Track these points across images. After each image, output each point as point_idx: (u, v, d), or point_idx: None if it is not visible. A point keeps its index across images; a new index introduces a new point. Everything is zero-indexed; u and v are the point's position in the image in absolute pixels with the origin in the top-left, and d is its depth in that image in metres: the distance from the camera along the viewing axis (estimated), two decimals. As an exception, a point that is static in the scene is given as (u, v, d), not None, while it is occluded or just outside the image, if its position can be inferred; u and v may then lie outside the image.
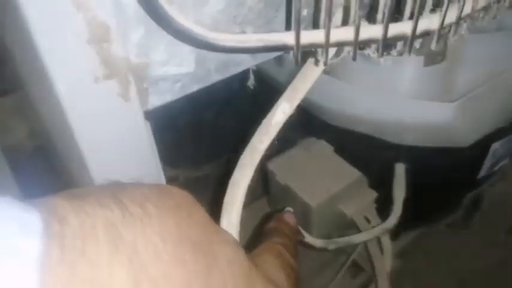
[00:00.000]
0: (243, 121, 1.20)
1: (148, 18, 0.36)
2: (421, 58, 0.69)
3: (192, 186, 1.31)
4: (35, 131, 1.39)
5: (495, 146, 0.90)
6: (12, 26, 0.46)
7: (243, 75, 0.99)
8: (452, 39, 0.40)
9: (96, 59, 0.35)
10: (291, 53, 0.37)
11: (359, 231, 0.94)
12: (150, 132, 0.44)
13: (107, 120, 0.39)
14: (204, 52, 0.42)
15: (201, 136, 1.15)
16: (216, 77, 0.46)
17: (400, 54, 0.40)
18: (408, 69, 0.70)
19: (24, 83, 0.80)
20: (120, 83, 0.37)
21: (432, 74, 0.70)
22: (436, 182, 0.95)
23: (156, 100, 0.43)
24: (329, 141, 1.03)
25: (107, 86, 0.37)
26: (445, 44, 0.68)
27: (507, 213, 1.55)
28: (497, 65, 0.73)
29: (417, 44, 0.40)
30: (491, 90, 0.70)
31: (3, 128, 1.43)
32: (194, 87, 0.45)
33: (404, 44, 0.39)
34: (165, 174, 0.54)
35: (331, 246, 0.83)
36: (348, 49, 0.39)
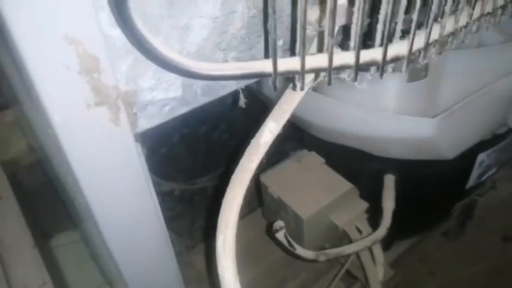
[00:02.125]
0: (237, 135, 1.23)
1: (135, 49, 0.39)
2: (405, 74, 0.72)
3: (188, 199, 1.33)
4: (33, 146, 1.41)
5: (481, 156, 0.92)
6: (5, 51, 0.48)
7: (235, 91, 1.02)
8: (422, 63, 0.43)
9: (87, 88, 0.38)
10: (270, 80, 0.40)
11: (351, 241, 0.96)
12: (141, 153, 0.47)
13: (99, 144, 0.41)
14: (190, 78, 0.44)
15: (196, 150, 1.18)
16: (203, 100, 0.48)
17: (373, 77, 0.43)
18: (392, 85, 0.73)
19: (20, 101, 0.83)
20: (110, 109, 0.40)
21: (415, 89, 0.73)
22: (425, 192, 0.97)
23: (145, 123, 0.45)
24: (320, 153, 1.06)
25: (98, 112, 0.39)
26: (427, 64, 0.71)
27: (502, 220, 1.57)
28: (478, 80, 0.76)
29: (390, 68, 0.42)
30: (472, 104, 0.72)
31: (3, 142, 1.45)
32: (182, 110, 0.47)
33: (377, 69, 0.42)
34: (161, 188, 0.56)
35: (322, 258, 0.85)
36: (323, 74, 0.41)
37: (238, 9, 0.44)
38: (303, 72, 0.39)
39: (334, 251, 0.88)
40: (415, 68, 0.74)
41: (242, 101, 0.64)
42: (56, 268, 1.35)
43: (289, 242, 0.80)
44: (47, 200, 1.42)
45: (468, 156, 0.90)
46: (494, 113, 0.79)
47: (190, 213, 1.29)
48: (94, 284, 1.28)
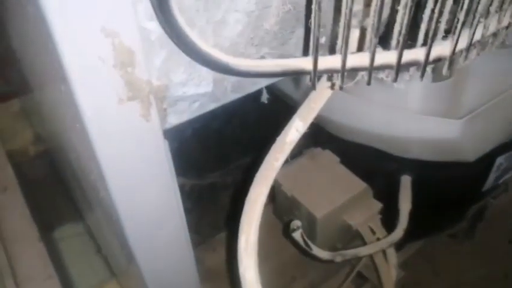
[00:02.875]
0: (249, 131, 1.22)
1: (170, 42, 0.38)
2: (429, 74, 0.70)
3: (199, 194, 1.32)
4: (40, 136, 1.40)
5: (500, 160, 0.91)
6: (29, 33, 0.47)
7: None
8: (462, 64, 0.42)
9: (121, 82, 0.36)
10: (308, 77, 0.39)
11: (364, 242, 0.94)
12: (168, 150, 0.45)
13: (128, 140, 0.40)
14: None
15: (208, 145, 1.16)
16: (232, 96, 0.47)
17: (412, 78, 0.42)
18: (416, 84, 0.71)
19: (32, 90, 0.81)
20: (142, 105, 0.39)
21: (440, 89, 0.71)
22: (442, 195, 0.96)
23: (175, 119, 0.44)
24: (335, 152, 1.04)
25: (130, 107, 0.38)
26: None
27: (510, 224, 1.56)
28: (503, 81, 0.74)
29: (429, 68, 0.41)
30: (498, 106, 0.71)
31: (9, 132, 1.44)
32: (211, 106, 0.46)
33: (417, 69, 0.40)
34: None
35: (338, 259, 0.84)
36: (362, 73, 0.40)
37: (273, 3, 0.42)
38: (343, 71, 0.37)
39: (350, 252, 0.87)
40: (440, 68, 0.72)
41: (265, 97, 0.63)
42: (60, 261, 1.34)
43: (305, 241, 0.79)
44: (52, 192, 1.41)
45: (487, 159, 0.89)
46: (519, 115, 0.78)
47: (199, 208, 1.28)
48: (98, 277, 1.27)
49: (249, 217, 0.50)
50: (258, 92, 0.95)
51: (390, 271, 0.94)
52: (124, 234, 0.49)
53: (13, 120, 1.46)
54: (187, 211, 1.39)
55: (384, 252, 0.97)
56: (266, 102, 0.62)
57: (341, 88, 0.39)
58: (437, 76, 0.70)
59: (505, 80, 0.75)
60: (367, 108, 0.76)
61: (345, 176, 1.01)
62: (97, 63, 0.34)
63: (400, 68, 0.38)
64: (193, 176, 1.21)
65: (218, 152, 1.20)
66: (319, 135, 1.12)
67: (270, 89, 0.97)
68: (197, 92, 0.43)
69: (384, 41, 0.39)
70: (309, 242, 0.80)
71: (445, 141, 0.72)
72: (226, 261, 1.16)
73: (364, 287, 1.17)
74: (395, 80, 0.39)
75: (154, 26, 0.36)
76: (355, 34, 0.38)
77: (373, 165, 0.96)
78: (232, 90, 0.46)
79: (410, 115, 0.71)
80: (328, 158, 1.04)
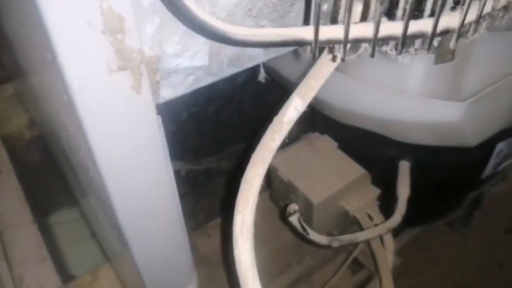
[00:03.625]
0: (246, 115, 1.20)
1: (163, 9, 0.35)
2: (432, 56, 0.68)
3: (194, 179, 1.30)
4: (35, 120, 1.38)
5: (500, 146, 0.90)
6: (17, 11, 0.45)
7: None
8: (471, 38, 0.40)
9: (110, 50, 0.34)
10: (308, 48, 0.37)
11: (361, 228, 0.93)
12: (162, 126, 0.43)
13: (118, 112, 0.38)
14: (217, 45, 0.41)
15: (204, 129, 1.14)
16: (229, 71, 0.45)
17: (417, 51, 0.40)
18: (418, 66, 0.69)
19: (25, 72, 0.79)
20: (133, 75, 0.36)
21: (442, 72, 0.69)
22: (440, 181, 0.95)
23: (168, 93, 0.42)
24: (333, 137, 1.02)
25: (120, 77, 0.36)
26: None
27: (507, 212, 1.56)
28: (506, 64, 0.72)
29: (436, 42, 0.39)
30: (501, 90, 0.69)
31: (3, 116, 1.42)
32: (207, 81, 0.44)
33: (423, 42, 0.38)
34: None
35: (335, 244, 0.83)
36: (365, 45, 0.38)
37: (272, -28, 0.40)
38: (346, 41, 0.35)
39: (347, 237, 0.86)
40: (443, 49, 0.70)
41: (262, 76, 0.61)
42: (55, 245, 1.33)
43: (302, 226, 0.78)
44: (47, 176, 1.39)
45: (487, 145, 0.87)
46: (522, 100, 0.76)
47: (194, 194, 1.27)
48: (92, 262, 1.26)
49: (244, 197, 0.49)
50: (255, 75, 0.93)
51: (387, 257, 0.92)
52: (115, 216, 0.48)
53: (7, 104, 1.44)
54: (183, 196, 1.37)
55: (381, 238, 0.95)
56: (263, 81, 0.60)
57: (343, 60, 0.37)
58: (439, 58, 0.68)
59: (508, 63, 0.73)
60: (366, 90, 0.74)
61: (343, 162, 0.99)
62: (84, 28, 0.32)
63: (405, 39, 0.36)
64: (189, 161, 1.19)
65: (214, 136, 1.18)
66: (317, 120, 1.10)
67: (267, 73, 0.95)
68: (192, 65, 0.41)
69: (389, 11, 0.37)
70: (306, 226, 0.78)
71: (446, 125, 0.70)
72: (220, 247, 1.14)
73: (361, 273, 1.16)
74: (400, 52, 0.37)
75: (146, -10, 0.34)
76: (359, 3, 0.36)
77: (371, 150, 0.95)
78: (228, 64, 0.44)
79: (411, 97, 0.70)
80: (326, 143, 1.03)
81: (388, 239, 0.94)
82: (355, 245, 1.06)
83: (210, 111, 1.10)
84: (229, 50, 0.43)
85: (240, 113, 1.16)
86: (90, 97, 0.36)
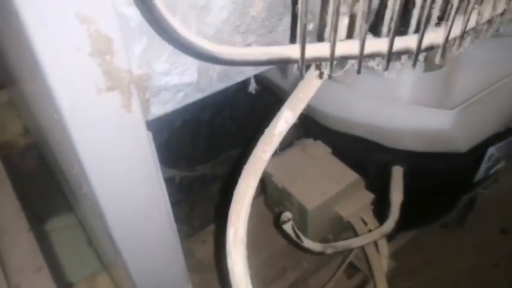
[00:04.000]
0: (240, 122, 1.20)
1: (150, 29, 0.36)
2: (421, 64, 0.69)
3: (189, 186, 1.30)
4: (29, 128, 1.38)
5: (491, 150, 0.90)
6: (7, 28, 0.45)
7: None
8: (456, 52, 0.40)
9: (98, 71, 0.34)
10: (295, 65, 0.37)
11: (355, 233, 0.94)
12: (152, 142, 0.44)
13: (108, 131, 0.38)
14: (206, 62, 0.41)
15: (198, 136, 1.15)
16: (218, 86, 0.45)
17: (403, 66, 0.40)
18: (408, 74, 0.70)
19: (17, 83, 0.79)
20: (122, 95, 0.37)
21: (432, 79, 0.70)
22: (433, 186, 0.95)
23: (158, 110, 0.42)
24: (326, 143, 1.03)
25: (109, 97, 0.36)
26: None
27: (501, 213, 1.57)
28: (495, 71, 0.73)
29: (421, 57, 0.40)
30: (490, 96, 0.70)
31: (-3, 124, 1.41)
32: (196, 96, 0.44)
33: (409, 57, 0.39)
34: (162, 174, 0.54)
35: (329, 251, 0.84)
36: (352, 62, 0.39)
37: (260, -12, 0.41)
38: (332, 59, 0.36)
39: (341, 244, 0.86)
40: (432, 57, 0.71)
41: (253, 87, 0.61)
42: (51, 252, 1.32)
43: (296, 234, 0.78)
44: (42, 183, 1.39)
45: (478, 150, 0.88)
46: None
47: (189, 200, 1.27)
48: (90, 269, 1.26)
49: (237, 210, 0.49)
50: (248, 83, 0.93)
51: (382, 262, 0.93)
52: (108, 230, 0.48)
53: (2, 111, 1.43)
54: (178, 203, 1.38)
55: (375, 243, 0.96)
56: (254, 92, 0.60)
57: (330, 77, 0.38)
58: (429, 66, 0.68)
59: (497, 70, 0.74)
60: (357, 98, 0.75)
61: (337, 167, 1.00)
62: (72, 51, 0.32)
63: (391, 56, 0.37)
64: (183, 168, 1.19)
65: (208, 143, 1.19)
66: (311, 126, 1.10)
67: (259, 80, 0.96)
68: (181, 82, 0.42)
69: (374, 28, 0.38)
70: (300, 234, 0.79)
71: (437, 132, 0.71)
72: (214, 253, 1.15)
73: (356, 277, 1.16)
74: (386, 68, 0.38)
75: (133, 12, 0.34)
76: (344, 21, 0.37)
77: (364, 156, 0.95)
78: (218, 80, 0.45)
79: (402, 105, 0.70)
80: (319, 149, 1.03)
81: (382, 244, 0.94)
82: (350, 250, 1.07)
83: (204, 118, 1.10)
84: (219, 66, 0.43)
85: (233, 120, 1.16)
86: (80, 116, 0.36)
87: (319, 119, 0.92)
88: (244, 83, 0.88)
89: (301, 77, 0.37)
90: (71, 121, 0.36)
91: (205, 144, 1.17)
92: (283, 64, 0.37)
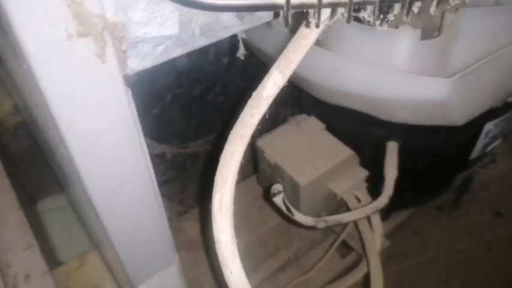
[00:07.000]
0: (233, 98, 1.18)
1: (126, -29, 0.33)
2: (418, 31, 0.67)
3: (180, 164, 1.28)
4: (19, 106, 1.35)
5: (488, 126, 0.88)
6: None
7: (232, 48, 0.96)
8: (452, 3, 0.38)
9: (68, 14, 0.32)
10: (281, 14, 0.35)
11: (349, 210, 0.92)
12: (132, 99, 0.41)
13: (82, 82, 0.36)
14: (188, 12, 0.39)
15: (189, 112, 1.12)
16: (201, 41, 0.43)
17: (397, 18, 0.38)
18: (403, 42, 0.68)
19: (4, 56, 0.77)
20: (95, 42, 0.34)
21: (428, 48, 0.68)
22: (428, 161, 0.94)
23: (136, 64, 0.40)
24: (320, 118, 1.01)
25: (81, 44, 0.34)
26: (443, 16, 0.65)
27: (496, 196, 1.56)
28: (494, 41, 0.71)
29: (415, 8, 0.37)
30: (489, 66, 0.68)
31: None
32: (178, 52, 0.42)
33: (402, 7, 0.36)
34: (152, 151, 0.51)
35: (321, 225, 0.82)
36: (341, 11, 0.36)
37: None
38: (319, 5, 0.34)
39: (333, 218, 0.84)
40: (429, 24, 0.69)
41: (241, 52, 0.59)
42: (43, 232, 1.31)
43: (287, 207, 0.76)
44: (33, 164, 1.37)
45: (475, 125, 0.86)
46: (510, 77, 0.74)
47: (182, 178, 1.25)
48: (81, 249, 1.25)
49: (222, 176, 0.47)
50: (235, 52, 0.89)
51: (375, 239, 0.92)
52: (87, 195, 0.46)
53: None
54: (171, 180, 1.35)
55: (369, 220, 0.94)
56: (242, 58, 0.58)
57: (317, 26, 0.35)
58: (425, 34, 0.66)
59: (496, 40, 0.71)
60: (352, 67, 0.72)
61: (330, 143, 0.98)
62: (38, -11, 0.30)
63: (383, 3, 0.34)
64: (175, 144, 1.17)
65: (201, 119, 1.16)
66: (305, 102, 1.08)
67: (248, 49, 0.93)
68: (160, 34, 0.39)
69: (365, -27, 0.35)
70: (291, 207, 0.77)
71: (433, 103, 0.69)
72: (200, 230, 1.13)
73: (350, 256, 1.15)
74: (377, 18, 0.36)
75: (106, -51, 0.32)
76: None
77: (359, 131, 0.93)
78: (200, 34, 0.42)
79: (397, 74, 0.68)
80: (313, 125, 1.01)
81: (376, 220, 0.93)
82: (343, 227, 1.05)
83: (195, 94, 1.07)
84: (201, 19, 0.41)
85: (226, 95, 1.14)
86: (49, 63, 0.34)
87: (313, 92, 0.90)
88: (235, 56, 0.86)
89: (286, 25, 0.34)
90: (39, 69, 0.33)
91: (197, 120, 1.15)
92: (268, 9, 0.34)
